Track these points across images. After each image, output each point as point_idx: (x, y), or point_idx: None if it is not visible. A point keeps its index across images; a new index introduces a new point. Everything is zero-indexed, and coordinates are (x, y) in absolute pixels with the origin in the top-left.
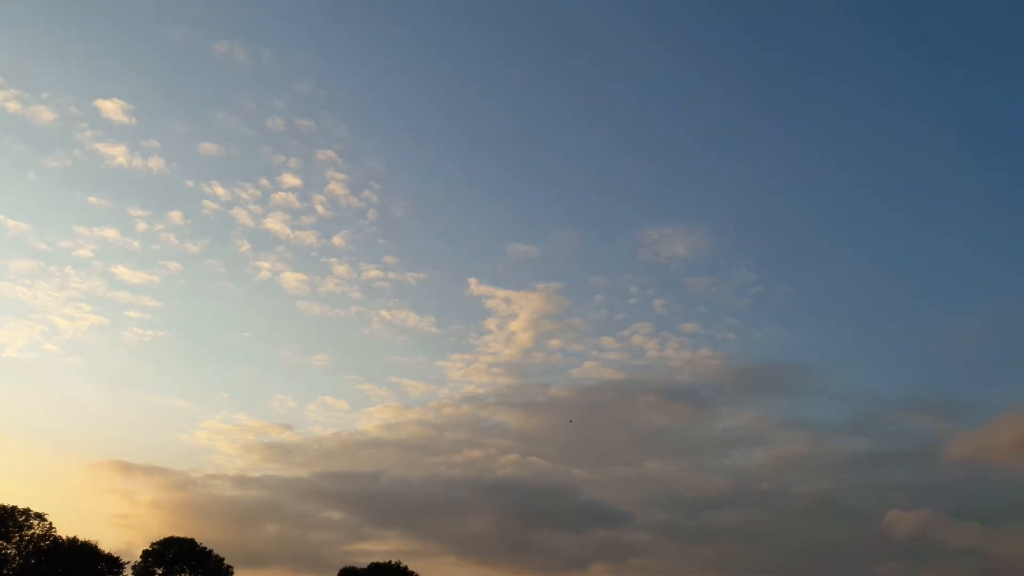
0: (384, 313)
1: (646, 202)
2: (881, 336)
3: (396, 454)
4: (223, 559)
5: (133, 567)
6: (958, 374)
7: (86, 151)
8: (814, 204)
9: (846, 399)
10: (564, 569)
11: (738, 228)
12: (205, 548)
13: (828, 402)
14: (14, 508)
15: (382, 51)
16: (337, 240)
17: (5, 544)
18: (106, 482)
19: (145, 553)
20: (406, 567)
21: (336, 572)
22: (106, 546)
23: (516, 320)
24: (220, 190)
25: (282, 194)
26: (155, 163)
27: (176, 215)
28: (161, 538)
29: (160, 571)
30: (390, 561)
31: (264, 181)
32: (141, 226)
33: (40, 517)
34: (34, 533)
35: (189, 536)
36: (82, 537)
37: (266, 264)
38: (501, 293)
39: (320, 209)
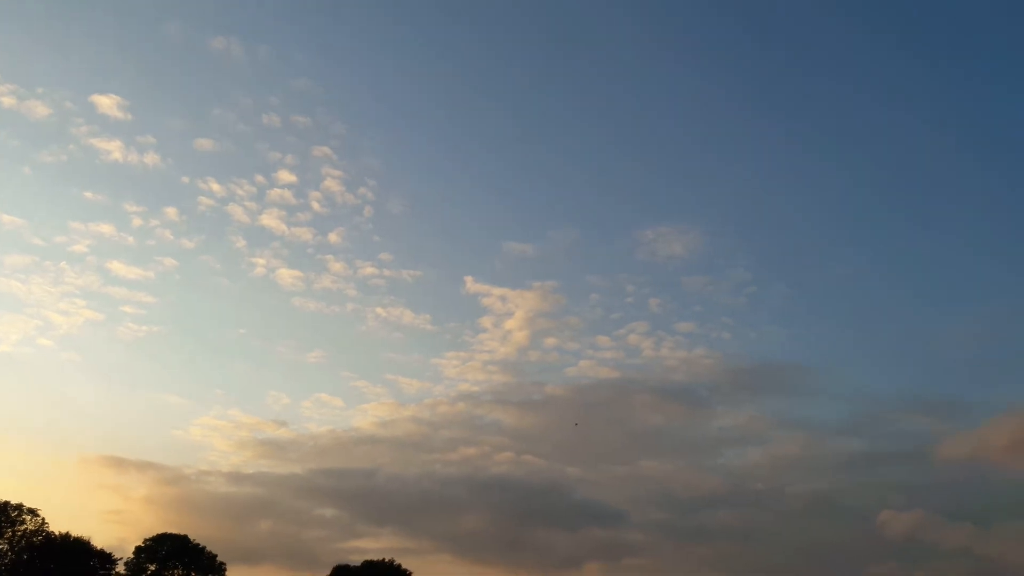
0: (380, 310)
1: (643, 201)
2: (879, 336)
3: (391, 451)
4: (216, 556)
5: (126, 563)
6: (957, 374)
7: (81, 146)
8: (812, 204)
9: (843, 399)
10: (558, 568)
11: (735, 228)
12: (198, 544)
13: (825, 402)
14: (7, 503)
15: (379, 48)
16: (333, 237)
17: None
18: (99, 478)
19: (138, 549)
20: (400, 565)
21: (330, 569)
22: (99, 542)
23: (512, 318)
24: (216, 186)
25: (278, 190)
26: (151, 159)
27: (171, 211)
28: (154, 534)
29: (153, 567)
30: (384, 559)
31: (260, 177)
32: (136, 222)
33: (33, 512)
34: (27, 529)
35: (182, 532)
36: (75, 533)
37: (261, 260)
38: (497, 291)
39: (316, 206)
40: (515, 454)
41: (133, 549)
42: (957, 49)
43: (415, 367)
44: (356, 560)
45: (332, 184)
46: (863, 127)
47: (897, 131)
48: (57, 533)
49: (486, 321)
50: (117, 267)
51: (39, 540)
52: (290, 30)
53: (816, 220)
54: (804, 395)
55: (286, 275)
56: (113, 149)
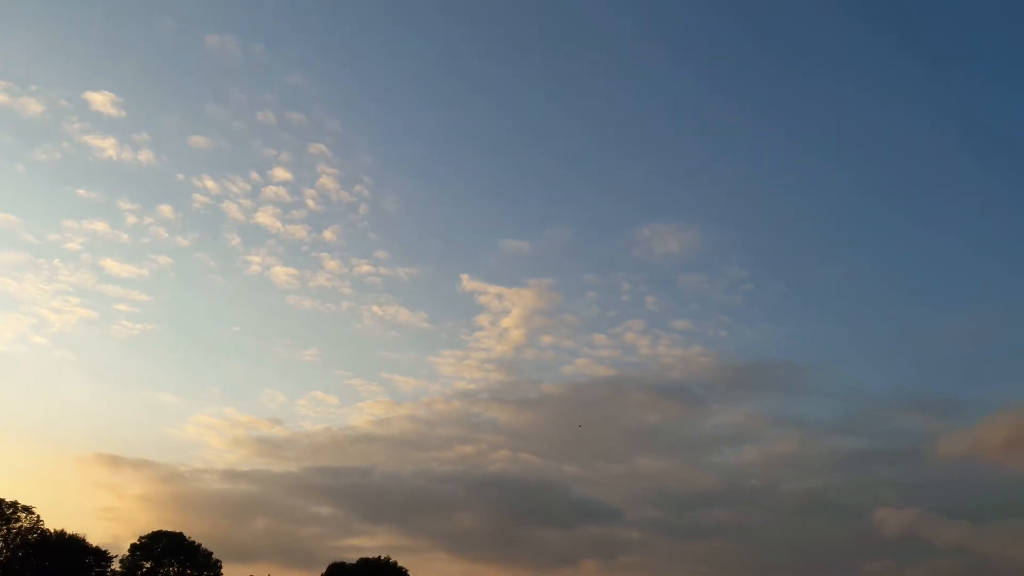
0: (375, 308)
1: (640, 199)
2: (875, 334)
3: (386, 449)
4: (211, 553)
5: (121, 561)
6: (952, 372)
7: (75, 144)
8: (808, 202)
9: (839, 397)
10: (554, 565)
11: (732, 226)
12: (193, 542)
13: (820, 400)
14: (1, 501)
15: (374, 45)
16: (328, 234)
17: None
18: (94, 475)
19: (133, 547)
20: (396, 563)
21: (325, 567)
22: (94, 540)
23: (508, 316)
24: (210, 183)
25: (273, 188)
26: (145, 156)
27: (166, 208)
28: (149, 532)
29: (148, 565)
30: (379, 556)
31: (255, 175)
32: (131, 219)
33: (28, 510)
34: (22, 526)
35: (177, 530)
36: (70, 531)
37: (256, 258)
38: (493, 289)
39: (311, 203)
40: (511, 452)
41: (128, 547)
42: (957, 49)
43: (411, 365)
44: (352, 558)
45: (327, 181)
46: (860, 126)
47: (895, 131)
48: (52, 531)
49: (482, 319)
50: (111, 265)
51: (34, 538)
52: (285, 27)
53: (812, 218)
54: (800, 393)
55: (281, 273)
56: (107, 146)
